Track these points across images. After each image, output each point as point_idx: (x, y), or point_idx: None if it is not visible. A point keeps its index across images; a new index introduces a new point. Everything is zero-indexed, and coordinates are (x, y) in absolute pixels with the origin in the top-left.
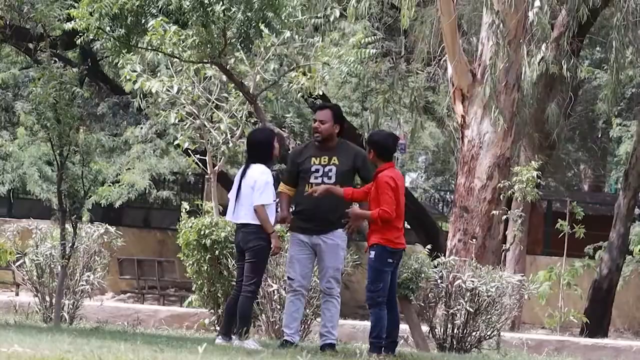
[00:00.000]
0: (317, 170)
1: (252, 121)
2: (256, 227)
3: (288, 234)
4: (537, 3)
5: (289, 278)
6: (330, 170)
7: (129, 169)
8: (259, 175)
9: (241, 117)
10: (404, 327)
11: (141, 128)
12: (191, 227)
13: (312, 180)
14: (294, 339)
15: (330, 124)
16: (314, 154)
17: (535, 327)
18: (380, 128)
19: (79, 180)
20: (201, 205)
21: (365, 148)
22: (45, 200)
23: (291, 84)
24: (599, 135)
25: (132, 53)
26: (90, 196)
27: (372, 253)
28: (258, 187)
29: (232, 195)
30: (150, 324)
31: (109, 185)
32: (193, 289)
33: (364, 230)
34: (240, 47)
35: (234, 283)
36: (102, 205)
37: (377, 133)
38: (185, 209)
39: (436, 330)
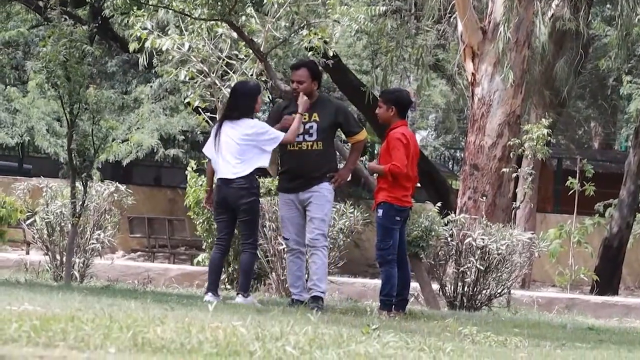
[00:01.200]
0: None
1: (263, 79)
2: (248, 182)
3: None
4: None
5: (284, 238)
6: (311, 127)
7: (138, 128)
8: (255, 125)
9: (252, 75)
10: (414, 285)
11: (151, 86)
12: (201, 185)
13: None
14: (302, 297)
15: (308, 82)
16: (295, 111)
17: (545, 285)
18: (389, 86)
19: (89, 138)
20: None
21: (368, 104)
22: (53, 155)
23: (302, 42)
24: (609, 93)
25: (142, 10)
26: (99, 155)
27: (380, 211)
28: (261, 133)
29: (211, 151)
30: (160, 282)
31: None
32: (203, 247)
33: (372, 187)
34: (250, 4)
35: (217, 240)
36: (111, 163)
37: (397, 90)
38: (192, 168)
39: (446, 288)
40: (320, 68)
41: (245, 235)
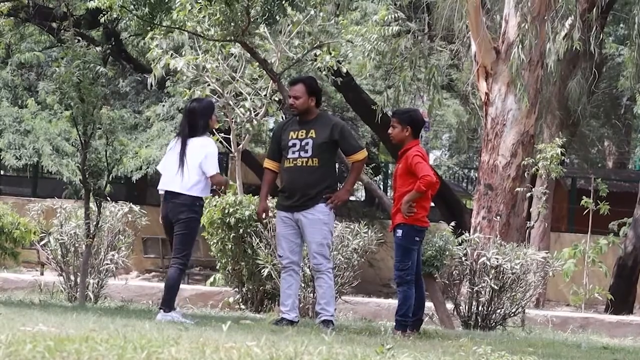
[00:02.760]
0: (294, 145)
1: (276, 99)
2: (191, 199)
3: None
4: None
5: (278, 256)
6: (307, 143)
7: (147, 146)
8: (208, 146)
9: (265, 95)
10: (428, 305)
11: (163, 105)
12: (215, 205)
13: (289, 155)
14: (289, 316)
15: (304, 98)
16: (293, 129)
17: (560, 304)
18: (401, 106)
19: (103, 160)
20: None
21: (379, 123)
22: (57, 174)
23: (315, 62)
24: (623, 112)
25: (156, 31)
26: (112, 173)
27: (400, 232)
28: (211, 157)
29: (167, 166)
30: (174, 302)
31: (129, 159)
32: (217, 267)
33: (386, 207)
34: (264, 25)
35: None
36: (124, 183)
37: (412, 110)
38: None
39: (461, 307)
40: (319, 84)
41: (178, 249)
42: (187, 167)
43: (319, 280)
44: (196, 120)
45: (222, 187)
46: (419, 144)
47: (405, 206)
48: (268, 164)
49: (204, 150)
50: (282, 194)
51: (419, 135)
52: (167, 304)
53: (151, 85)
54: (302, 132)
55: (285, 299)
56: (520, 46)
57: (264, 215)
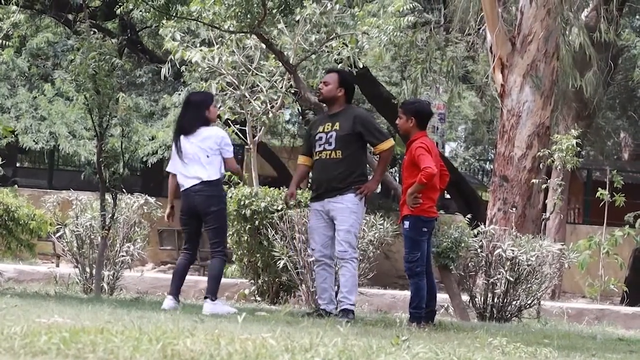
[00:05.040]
0: (320, 138)
1: (292, 91)
2: (215, 189)
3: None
4: None
5: (311, 249)
6: (331, 136)
7: (168, 126)
8: (217, 133)
9: (281, 87)
10: (444, 297)
11: (179, 94)
12: (231, 197)
13: (317, 148)
14: (328, 308)
15: (333, 86)
16: (322, 122)
17: (575, 296)
18: (418, 97)
19: (119, 151)
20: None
21: (399, 116)
22: (75, 154)
23: (331, 54)
24: (639, 104)
25: (167, 23)
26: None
27: (407, 223)
28: (225, 143)
29: (178, 163)
30: (190, 294)
31: (144, 144)
32: (233, 259)
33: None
34: (280, 17)
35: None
36: (140, 175)
37: (417, 101)
38: None
39: (476, 299)
40: (353, 79)
41: (215, 243)
42: (194, 157)
43: (343, 268)
44: (191, 112)
45: (238, 174)
46: (426, 136)
47: (410, 198)
48: (300, 159)
49: (213, 139)
50: (312, 186)
51: (426, 126)
52: (213, 292)
53: (165, 77)
54: (328, 125)
55: (321, 292)
56: (536, 36)
57: (290, 200)
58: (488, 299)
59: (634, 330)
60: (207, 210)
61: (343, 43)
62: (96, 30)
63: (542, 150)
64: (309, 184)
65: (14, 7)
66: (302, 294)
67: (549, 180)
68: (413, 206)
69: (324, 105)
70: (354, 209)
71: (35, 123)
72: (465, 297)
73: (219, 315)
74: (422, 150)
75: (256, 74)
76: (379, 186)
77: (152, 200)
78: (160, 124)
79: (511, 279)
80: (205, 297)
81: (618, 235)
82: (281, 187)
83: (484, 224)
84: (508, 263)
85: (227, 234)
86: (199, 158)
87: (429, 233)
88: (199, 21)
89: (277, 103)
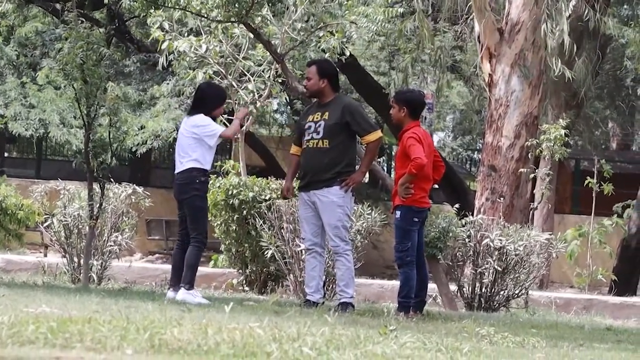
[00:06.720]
0: (309, 128)
1: (280, 80)
2: (188, 176)
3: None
4: None
5: (302, 238)
6: (319, 125)
7: (156, 116)
8: (199, 121)
9: (269, 77)
10: (432, 287)
11: (167, 83)
12: (219, 187)
13: (305, 137)
14: (314, 297)
15: (315, 79)
16: (312, 112)
17: (563, 285)
18: (407, 87)
19: (106, 141)
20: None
21: (384, 105)
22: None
23: (319, 44)
24: (627, 93)
25: (160, 10)
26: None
27: (398, 213)
28: (206, 127)
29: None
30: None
31: (134, 134)
32: (221, 249)
33: (390, 188)
34: (267, 6)
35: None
36: (128, 165)
37: (409, 91)
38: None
39: (464, 289)
40: (334, 66)
41: (192, 229)
42: (182, 145)
43: (337, 262)
44: (201, 100)
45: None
46: (419, 126)
47: (401, 188)
48: (292, 149)
49: (197, 125)
50: (300, 176)
51: (418, 116)
52: (187, 280)
53: (163, 67)
54: (318, 114)
55: (309, 280)
56: (523, 26)
57: (288, 195)
58: (476, 288)
59: (621, 320)
60: (180, 198)
61: (329, 32)
62: (84, 20)
63: (530, 140)
64: (298, 173)
65: None
66: (289, 284)
67: (537, 170)
68: (404, 196)
69: (314, 99)
70: (339, 202)
71: (24, 110)
72: (453, 287)
73: (187, 304)
74: (413, 140)
75: (243, 62)
76: (367, 176)
77: (140, 189)
78: (149, 113)
79: (499, 268)
80: (180, 286)
81: (607, 224)
82: (269, 177)
83: (472, 213)
84: (496, 253)
85: (213, 224)
86: (182, 144)
87: (420, 223)
88: (187, 10)
89: (264, 92)
